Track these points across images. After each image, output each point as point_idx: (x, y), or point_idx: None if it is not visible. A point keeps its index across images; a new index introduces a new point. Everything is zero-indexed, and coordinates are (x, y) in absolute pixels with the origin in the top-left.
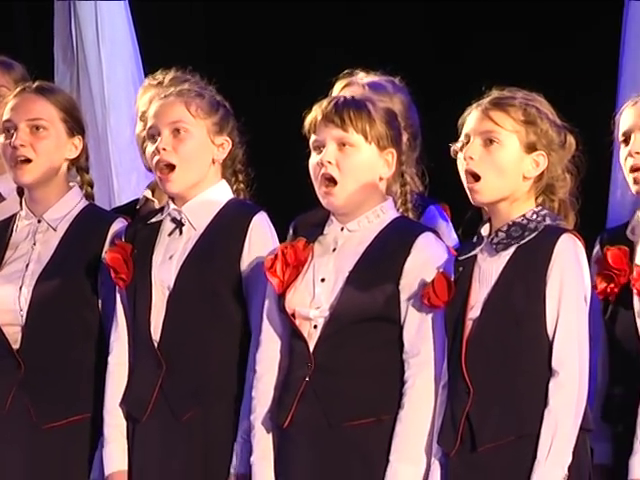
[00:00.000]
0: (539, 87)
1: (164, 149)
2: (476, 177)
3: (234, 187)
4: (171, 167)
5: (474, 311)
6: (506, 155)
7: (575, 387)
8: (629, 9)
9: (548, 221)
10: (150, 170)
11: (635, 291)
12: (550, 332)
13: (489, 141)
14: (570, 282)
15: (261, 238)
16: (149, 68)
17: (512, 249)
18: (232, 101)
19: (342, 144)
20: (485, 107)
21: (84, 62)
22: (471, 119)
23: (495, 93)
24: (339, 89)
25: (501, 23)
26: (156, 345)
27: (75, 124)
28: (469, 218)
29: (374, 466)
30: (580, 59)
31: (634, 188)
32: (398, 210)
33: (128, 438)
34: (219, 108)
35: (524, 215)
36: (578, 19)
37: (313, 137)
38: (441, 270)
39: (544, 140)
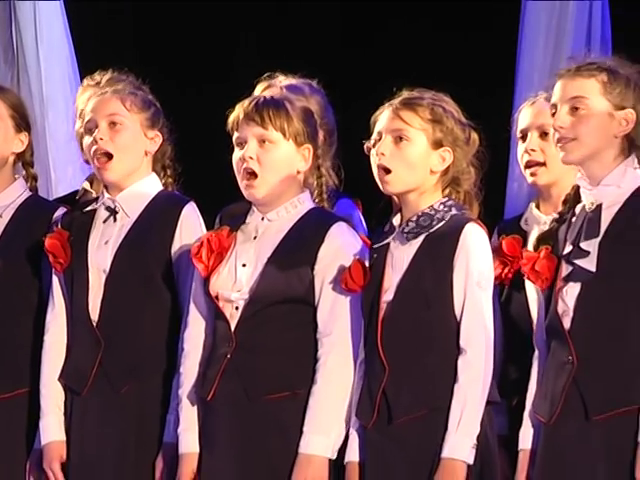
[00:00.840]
0: (443, 87)
1: (101, 139)
2: (387, 171)
3: (163, 180)
4: (108, 156)
5: (388, 295)
6: (414, 151)
7: (481, 364)
8: (525, 11)
9: (454, 211)
10: (88, 163)
11: (525, 275)
12: (457, 313)
13: (399, 138)
14: (474, 267)
15: (191, 227)
16: (83, 68)
17: (421, 237)
18: (162, 100)
19: (262, 141)
20: (396, 107)
21: (24, 62)
22: (383, 118)
23: (405, 94)
24: (260, 91)
25: (407, 29)
26: (95, 324)
27: (22, 121)
28: (380, 210)
29: (289, 436)
30: (480, 59)
31: (530, 180)
32: (314, 201)
33: (66, 410)
34: (151, 105)
35: (432, 206)
36: (476, 20)
37: (236, 134)
38: (357, 257)
39: (450, 137)
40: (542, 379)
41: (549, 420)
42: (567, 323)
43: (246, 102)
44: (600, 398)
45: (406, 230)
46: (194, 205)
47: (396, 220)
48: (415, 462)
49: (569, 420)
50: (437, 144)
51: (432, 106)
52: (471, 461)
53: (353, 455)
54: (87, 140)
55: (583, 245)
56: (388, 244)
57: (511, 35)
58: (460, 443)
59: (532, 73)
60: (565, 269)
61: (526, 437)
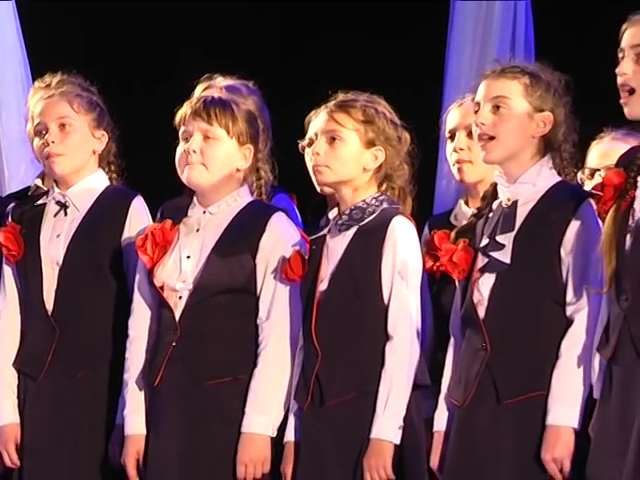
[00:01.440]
0: (377, 89)
1: (53, 142)
2: (323, 167)
3: (108, 175)
4: (58, 156)
5: (323, 284)
6: (348, 151)
7: (407, 349)
8: (453, 17)
9: (385, 205)
10: (39, 161)
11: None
12: (386, 301)
13: (333, 139)
14: (400, 257)
15: (139, 219)
16: (35, 69)
17: (354, 229)
18: (109, 99)
19: (207, 136)
20: (330, 109)
21: None
22: (318, 120)
23: (340, 96)
24: (200, 91)
25: (341, 32)
26: (50, 313)
27: None
28: (315, 205)
29: (230, 419)
30: (411, 62)
31: (458, 177)
32: (254, 195)
33: (19, 395)
34: (97, 107)
35: (364, 200)
36: (408, 26)
37: (182, 129)
38: (296, 248)
39: (382, 137)
40: (457, 365)
41: (463, 403)
42: (482, 312)
43: (194, 99)
44: (511, 384)
45: (339, 223)
46: (142, 199)
47: (332, 214)
48: (345, 443)
49: (482, 404)
50: (370, 143)
51: (364, 108)
52: (397, 441)
53: (290, 435)
54: (38, 142)
55: (499, 239)
56: (324, 236)
57: (440, 40)
58: (387, 424)
59: (460, 76)
60: (481, 261)
61: (440, 419)
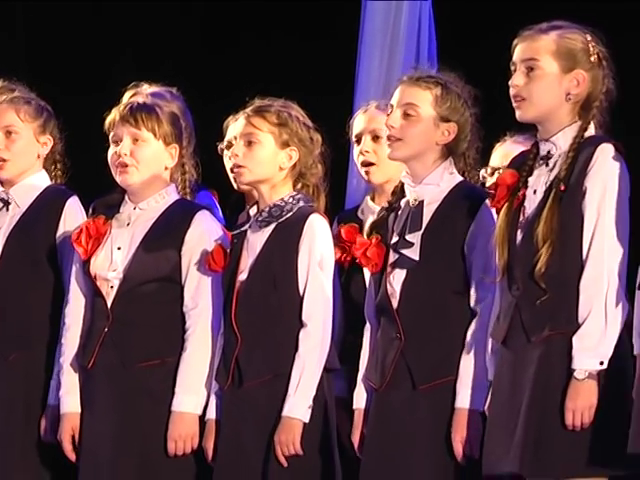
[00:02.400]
0: (295, 95)
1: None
2: (241, 167)
3: (53, 174)
4: (4, 160)
5: (243, 275)
6: (264, 152)
7: (319, 336)
8: (364, 31)
9: (302, 203)
10: None
11: (357, 260)
12: (301, 292)
13: (250, 142)
14: (316, 252)
15: (74, 217)
16: None
17: (272, 226)
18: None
19: (135, 139)
20: (247, 114)
21: None
22: (237, 124)
23: (257, 102)
24: (128, 97)
25: (258, 42)
26: None
27: None
28: (233, 202)
29: (159, 400)
30: (325, 72)
31: (365, 177)
32: (179, 193)
33: None
34: (43, 112)
35: (282, 199)
36: (323, 39)
37: (112, 133)
38: (219, 242)
39: (295, 138)
40: (373, 350)
41: (380, 387)
42: (395, 303)
43: (122, 106)
44: (424, 370)
45: (260, 219)
46: (76, 198)
47: (252, 211)
48: (262, 420)
49: (398, 388)
50: (284, 144)
51: (279, 112)
52: (307, 420)
53: (212, 413)
54: None
55: (408, 237)
56: (245, 231)
57: (351, 52)
58: (298, 404)
59: (369, 85)
60: (393, 256)
61: (360, 397)
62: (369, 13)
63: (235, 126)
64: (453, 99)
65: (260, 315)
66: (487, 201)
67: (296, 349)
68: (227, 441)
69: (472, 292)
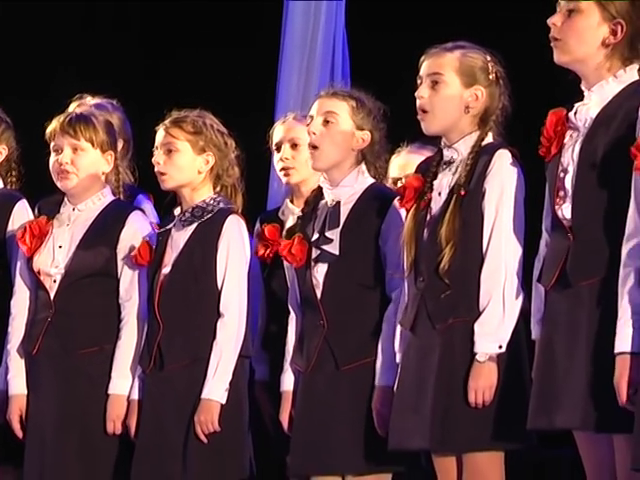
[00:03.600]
0: (223, 109)
1: None
2: (162, 174)
3: (8, 179)
4: None
5: (166, 269)
6: (182, 159)
7: (235, 325)
8: (284, 52)
9: (221, 205)
10: None
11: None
12: (219, 285)
13: (169, 150)
14: (233, 249)
15: (21, 219)
16: None
17: (195, 225)
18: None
19: (75, 149)
20: (166, 125)
21: None
22: (158, 135)
23: (174, 114)
24: (73, 108)
25: (191, 60)
26: None
27: None
28: (167, 203)
29: (97, 383)
30: (250, 87)
31: (284, 180)
32: (113, 194)
33: None
34: (1, 123)
35: (204, 200)
36: (249, 58)
37: (53, 143)
38: (146, 239)
39: (210, 144)
40: (299, 337)
41: (306, 370)
42: (319, 294)
43: (62, 117)
44: (346, 352)
45: (183, 219)
46: (25, 202)
47: (177, 211)
48: (181, 401)
49: (322, 370)
50: (201, 150)
51: (194, 121)
52: (224, 401)
53: (135, 394)
54: None
55: (328, 234)
56: (170, 229)
57: (273, 70)
58: (216, 387)
59: (288, 100)
60: (315, 252)
61: (287, 380)
62: (288, 34)
63: (157, 136)
64: (366, 111)
65: (181, 305)
66: (396, 201)
67: (214, 337)
68: (149, 420)
69: (387, 281)
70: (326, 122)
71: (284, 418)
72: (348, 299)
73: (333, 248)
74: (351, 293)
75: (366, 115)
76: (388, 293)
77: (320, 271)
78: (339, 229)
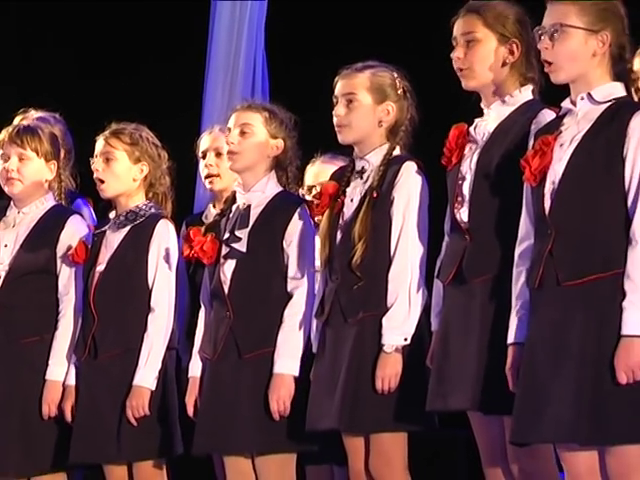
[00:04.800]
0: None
1: None
2: (102, 181)
3: None
4: None
5: (101, 267)
6: (120, 167)
7: (165, 319)
8: (209, 70)
9: (153, 210)
10: None
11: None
12: (150, 282)
13: (108, 159)
14: (163, 250)
15: None
16: None
17: (128, 227)
18: None
19: (21, 158)
20: (105, 136)
21: None
22: (98, 145)
23: (113, 125)
24: (18, 120)
25: (127, 73)
26: None
27: None
28: (103, 206)
29: (37, 370)
30: (180, 101)
31: (208, 187)
32: (56, 200)
33: None
34: None
35: (137, 205)
36: (179, 78)
37: (1, 151)
38: (83, 239)
39: (145, 155)
40: (207, 328)
41: (212, 357)
42: (226, 289)
43: (10, 128)
44: (249, 342)
45: (117, 222)
46: None
47: (112, 214)
48: (114, 388)
49: (227, 358)
50: (137, 160)
51: (131, 133)
52: (154, 388)
53: (70, 380)
54: None
55: (237, 233)
56: (105, 231)
57: (199, 85)
58: (147, 375)
59: (213, 112)
60: (225, 250)
61: (195, 367)
62: (214, 54)
63: (97, 146)
64: (278, 120)
65: (114, 300)
66: (304, 205)
67: (145, 329)
68: (84, 404)
69: (289, 279)
70: (242, 133)
71: (190, 402)
72: (252, 294)
73: (241, 246)
74: (255, 288)
75: (279, 125)
76: (289, 289)
77: (228, 267)
78: (248, 229)
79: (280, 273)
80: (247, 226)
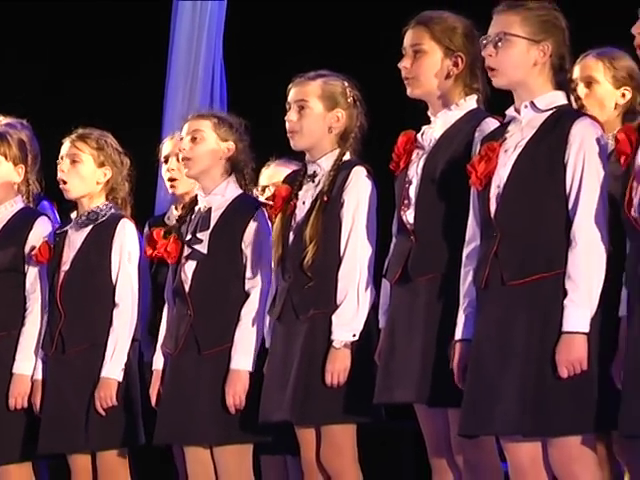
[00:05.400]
0: (121, 126)
1: None
2: (65, 182)
3: None
4: None
5: (65, 265)
6: (85, 169)
7: (129, 314)
8: (170, 80)
9: (113, 210)
10: None
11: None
12: (114, 279)
13: (74, 161)
14: (125, 248)
15: None
16: None
17: (90, 227)
18: None
19: None
20: (72, 139)
21: None
22: (64, 147)
23: (80, 130)
24: None
25: (89, 82)
26: None
27: None
28: (67, 208)
29: (5, 365)
30: (144, 110)
31: (170, 190)
32: (24, 203)
33: None
34: None
35: (98, 206)
36: (141, 86)
37: None
38: (46, 239)
39: (109, 160)
40: (170, 324)
41: (174, 352)
42: (187, 288)
43: None
44: (208, 339)
45: (80, 222)
46: None
47: (74, 215)
48: (81, 380)
49: (187, 354)
50: (101, 164)
51: (97, 139)
52: (121, 379)
53: (38, 374)
54: None
55: (199, 235)
56: (67, 231)
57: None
58: (113, 367)
59: (174, 120)
60: (187, 251)
61: (158, 361)
62: (174, 62)
63: (62, 148)
64: (227, 125)
65: (80, 297)
66: (262, 208)
67: (110, 324)
68: (52, 397)
69: (247, 278)
70: (194, 139)
71: (153, 394)
72: (212, 293)
73: (202, 247)
74: (215, 288)
75: (228, 128)
76: (247, 288)
77: (189, 267)
78: (209, 231)
79: (239, 273)
80: (208, 228)
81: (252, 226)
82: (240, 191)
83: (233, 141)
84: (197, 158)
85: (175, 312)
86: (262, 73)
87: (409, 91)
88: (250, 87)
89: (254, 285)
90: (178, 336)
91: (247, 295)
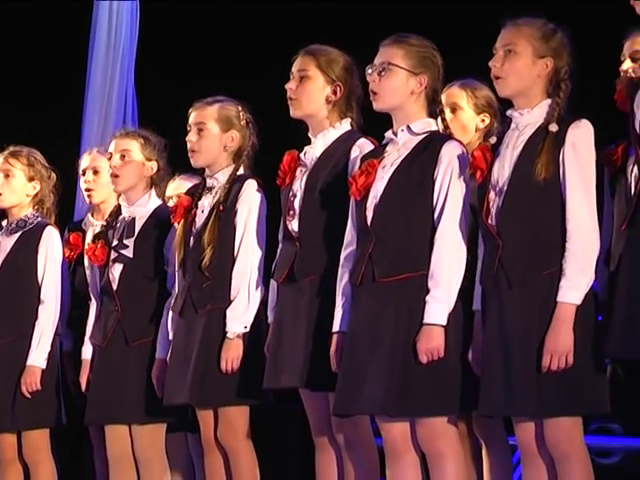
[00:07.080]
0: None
1: None
2: (0, 194)
3: None
4: None
5: None
6: (16, 182)
7: (53, 310)
8: (87, 100)
9: (40, 219)
10: None
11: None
12: (40, 279)
13: (7, 175)
14: (50, 252)
15: None
16: None
17: (19, 233)
18: None
19: None
20: (5, 155)
21: None
22: None
23: (12, 147)
24: None
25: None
26: None
27: None
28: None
29: None
30: (63, 124)
31: (87, 200)
32: None
33: None
34: None
35: (26, 215)
36: (62, 100)
37: None
38: None
39: (39, 174)
40: (97, 318)
41: (102, 344)
42: (115, 287)
43: None
44: (134, 332)
45: (10, 229)
46: None
47: (4, 223)
48: (9, 368)
49: (115, 344)
50: (30, 178)
51: (28, 155)
52: (44, 366)
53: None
54: None
55: (125, 241)
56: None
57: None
58: (39, 355)
59: (90, 137)
60: (113, 254)
61: (86, 351)
62: (91, 87)
63: None
64: (152, 145)
65: (9, 295)
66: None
67: (36, 318)
68: None
69: (168, 279)
70: (122, 157)
71: (83, 380)
72: (137, 291)
73: (128, 252)
74: (139, 287)
75: (152, 149)
76: (168, 287)
77: (117, 269)
78: (134, 238)
79: (160, 274)
80: (133, 235)
81: (172, 233)
82: (160, 202)
83: (155, 160)
84: (125, 176)
85: (103, 308)
86: (168, 96)
87: (291, 112)
88: (157, 109)
89: (173, 283)
90: (106, 329)
91: (169, 293)
